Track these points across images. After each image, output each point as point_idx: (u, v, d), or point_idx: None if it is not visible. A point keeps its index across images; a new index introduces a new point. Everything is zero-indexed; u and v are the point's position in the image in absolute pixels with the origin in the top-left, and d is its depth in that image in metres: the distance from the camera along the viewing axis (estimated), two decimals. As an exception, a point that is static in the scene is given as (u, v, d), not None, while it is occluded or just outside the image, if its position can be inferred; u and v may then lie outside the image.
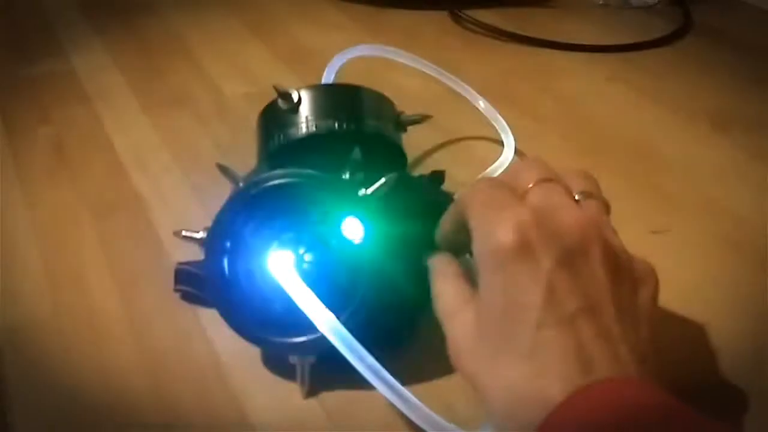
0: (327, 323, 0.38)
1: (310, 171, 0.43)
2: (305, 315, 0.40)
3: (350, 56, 0.57)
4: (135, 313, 0.48)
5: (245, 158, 0.62)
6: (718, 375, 0.44)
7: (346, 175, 0.45)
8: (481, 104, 0.58)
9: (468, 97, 0.59)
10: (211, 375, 0.44)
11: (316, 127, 0.49)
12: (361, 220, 0.42)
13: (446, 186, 0.52)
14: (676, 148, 0.63)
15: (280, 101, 0.50)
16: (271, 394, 0.43)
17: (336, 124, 0.49)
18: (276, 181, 0.43)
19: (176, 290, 0.49)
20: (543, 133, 0.65)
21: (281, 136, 0.50)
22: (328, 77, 0.56)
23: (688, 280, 0.49)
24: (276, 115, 0.51)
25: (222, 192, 0.57)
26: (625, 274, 0.35)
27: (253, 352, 0.44)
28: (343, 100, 0.51)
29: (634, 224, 0.52)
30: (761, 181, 0.59)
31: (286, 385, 0.43)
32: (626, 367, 0.32)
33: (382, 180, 0.43)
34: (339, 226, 0.42)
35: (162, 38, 0.82)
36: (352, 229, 0.42)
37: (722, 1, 0.90)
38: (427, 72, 0.59)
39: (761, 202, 0.57)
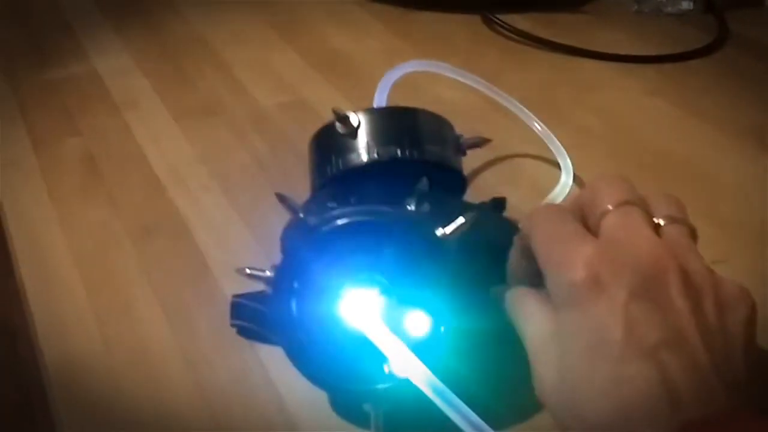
0: (418, 371, 0.37)
1: (384, 208, 0.41)
2: (381, 360, 0.39)
3: (402, 72, 0.55)
4: (189, 349, 0.46)
5: (286, 174, 0.60)
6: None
7: (412, 206, 0.43)
8: (537, 126, 0.56)
9: (524, 119, 0.56)
10: (276, 419, 0.42)
11: (378, 154, 0.47)
12: (440, 260, 0.40)
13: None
14: (726, 169, 0.62)
15: (338, 125, 0.48)
16: (343, 442, 0.41)
17: (398, 151, 0.47)
18: (349, 219, 0.41)
19: (233, 325, 0.46)
20: (589, 150, 0.63)
21: (340, 162, 0.47)
22: (380, 95, 0.53)
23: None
24: (333, 140, 0.48)
25: (265, 211, 0.55)
26: (710, 301, 0.33)
27: (321, 395, 0.42)
28: (403, 125, 0.49)
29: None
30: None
31: (359, 434, 0.41)
32: (717, 398, 0.31)
33: (461, 220, 0.41)
34: (416, 266, 0.40)
35: (185, 39, 0.79)
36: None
37: (758, 11, 0.88)
38: (483, 90, 0.56)
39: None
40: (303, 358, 0.41)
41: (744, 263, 0.53)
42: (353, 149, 0.47)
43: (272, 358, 0.45)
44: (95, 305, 0.48)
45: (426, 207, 0.43)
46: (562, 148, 0.56)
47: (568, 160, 0.55)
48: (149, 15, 0.84)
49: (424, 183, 0.45)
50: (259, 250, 0.52)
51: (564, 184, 0.53)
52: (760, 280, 0.51)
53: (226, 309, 0.47)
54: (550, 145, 0.56)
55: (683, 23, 0.85)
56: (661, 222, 0.36)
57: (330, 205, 0.45)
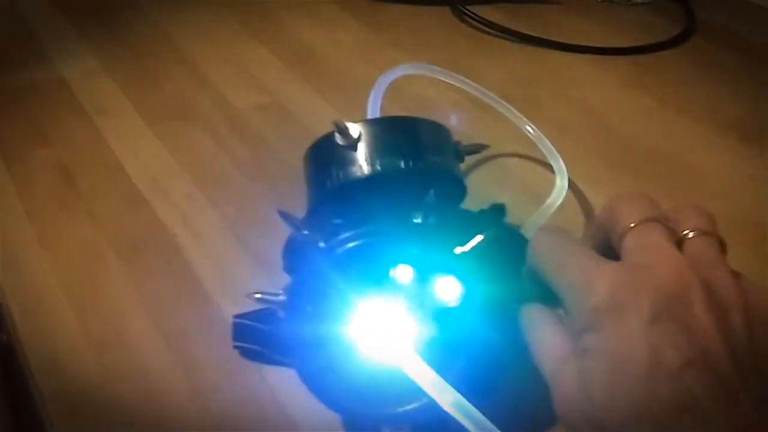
0: (449, 397, 0.36)
1: (396, 225, 0.40)
2: (399, 383, 0.38)
3: (394, 77, 0.53)
4: (193, 375, 0.44)
5: (271, 181, 0.59)
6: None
7: (418, 219, 0.42)
8: (529, 129, 0.55)
9: (515, 121, 0.56)
10: (290, 444, 0.41)
11: (380, 165, 0.46)
12: (460, 279, 0.39)
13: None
14: (709, 163, 0.62)
15: (338, 137, 0.46)
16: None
17: (401, 162, 0.46)
18: (363, 240, 0.39)
19: (235, 347, 0.45)
20: (571, 147, 0.62)
21: (340, 175, 0.46)
22: (374, 102, 0.52)
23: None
24: (332, 152, 0.47)
25: (255, 222, 0.54)
26: (737, 314, 0.33)
27: (334, 416, 0.41)
28: (404, 135, 0.48)
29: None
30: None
31: (379, 458, 0.40)
32: (746, 414, 0.31)
33: (479, 237, 0.40)
34: (435, 286, 0.39)
35: (151, 40, 0.76)
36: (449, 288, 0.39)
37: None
38: (475, 94, 0.55)
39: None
40: (319, 383, 0.39)
41: (741, 260, 0.53)
42: (354, 161, 0.46)
43: (280, 380, 0.43)
44: (89, 332, 0.46)
45: (433, 220, 0.42)
46: (554, 150, 0.55)
47: (562, 163, 0.54)
48: (113, 16, 0.80)
49: (431, 196, 0.44)
50: (252, 265, 0.51)
51: (560, 188, 0.52)
52: (753, 275, 0.52)
53: (226, 329, 0.45)
54: (542, 147, 0.55)
55: (651, 12, 0.85)
56: (689, 234, 0.35)
57: (336, 221, 0.44)
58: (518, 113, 0.56)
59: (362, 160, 0.46)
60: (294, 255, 0.45)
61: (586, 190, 0.58)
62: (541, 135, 0.55)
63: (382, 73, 0.54)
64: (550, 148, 0.55)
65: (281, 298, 0.41)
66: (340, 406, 0.40)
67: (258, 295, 0.41)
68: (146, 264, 0.51)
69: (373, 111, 0.52)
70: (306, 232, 0.43)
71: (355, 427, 0.41)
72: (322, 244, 0.40)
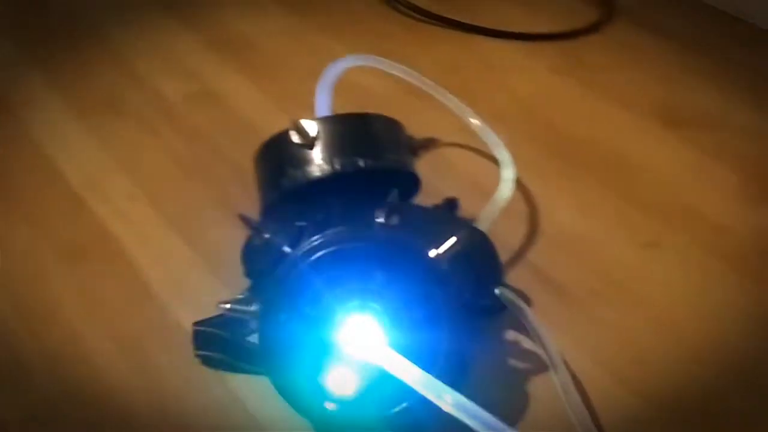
0: (451, 398, 0.36)
1: (371, 231, 0.40)
2: (377, 389, 0.38)
3: (341, 68, 0.53)
4: (156, 389, 0.43)
5: (210, 174, 0.58)
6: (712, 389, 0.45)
7: (381, 219, 0.42)
8: (473, 120, 0.56)
9: (459, 113, 0.56)
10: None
11: (340, 165, 0.45)
12: (434, 282, 0.39)
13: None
14: (637, 150, 0.63)
15: (294, 135, 0.46)
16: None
17: (360, 161, 0.46)
18: (336, 246, 0.39)
19: (197, 356, 0.44)
20: (509, 137, 0.62)
21: (298, 174, 0.45)
22: (321, 98, 0.51)
23: (684, 293, 0.51)
24: (288, 151, 0.46)
25: (199, 220, 0.53)
26: None
27: (304, 423, 0.41)
28: (360, 134, 0.47)
29: (623, 238, 0.54)
30: (725, 183, 0.60)
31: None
32: None
33: (453, 239, 0.40)
34: (410, 290, 0.39)
35: (70, 21, 0.73)
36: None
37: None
38: (421, 86, 0.55)
39: (732, 206, 0.58)
40: (295, 391, 0.39)
41: (673, 245, 0.55)
42: (311, 161, 0.45)
43: (246, 389, 0.43)
44: (44, 348, 0.44)
45: (395, 219, 0.42)
46: (499, 140, 0.55)
47: (507, 154, 0.54)
48: (30, 1, 0.76)
49: (394, 195, 0.43)
50: (200, 265, 0.50)
51: (508, 180, 0.53)
52: (692, 261, 0.54)
53: (180, 334, 0.44)
54: (487, 139, 0.55)
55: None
56: None
57: (298, 224, 0.43)
58: (463, 105, 0.56)
59: (320, 160, 0.45)
60: (256, 260, 0.44)
61: (524, 179, 0.58)
62: (486, 126, 0.56)
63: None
64: (495, 140, 0.56)
65: (254, 308, 0.40)
66: (319, 417, 0.40)
67: (228, 306, 0.40)
68: (91, 270, 0.49)
69: (322, 107, 0.52)
70: (267, 235, 0.43)
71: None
72: (286, 249, 0.40)
